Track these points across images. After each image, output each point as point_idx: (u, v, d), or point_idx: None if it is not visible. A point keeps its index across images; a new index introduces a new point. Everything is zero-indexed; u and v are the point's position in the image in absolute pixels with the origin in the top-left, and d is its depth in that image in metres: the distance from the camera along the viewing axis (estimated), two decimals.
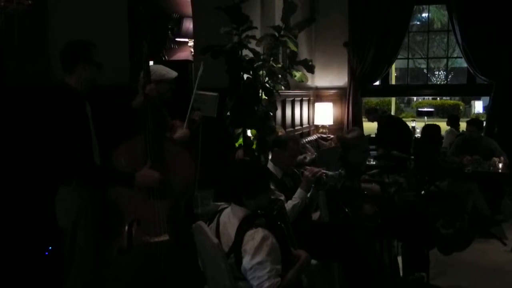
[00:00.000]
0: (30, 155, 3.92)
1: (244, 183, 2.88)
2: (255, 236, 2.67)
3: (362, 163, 4.47)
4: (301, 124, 9.48)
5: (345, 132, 5.12)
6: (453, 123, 9.33)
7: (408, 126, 9.00)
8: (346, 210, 3.88)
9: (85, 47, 3.16)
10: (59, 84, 3.18)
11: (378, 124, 8.94)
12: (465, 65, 10.28)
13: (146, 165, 3.22)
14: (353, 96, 10.12)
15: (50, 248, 3.97)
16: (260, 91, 5.58)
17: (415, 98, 28.55)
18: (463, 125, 9.62)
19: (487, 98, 10.78)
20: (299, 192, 3.85)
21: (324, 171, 3.92)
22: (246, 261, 2.67)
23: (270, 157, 4.41)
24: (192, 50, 8.25)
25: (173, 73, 3.83)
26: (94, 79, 3.22)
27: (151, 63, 3.71)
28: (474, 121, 7.23)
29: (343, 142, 4.38)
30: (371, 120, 9.18)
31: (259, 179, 2.95)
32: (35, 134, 3.53)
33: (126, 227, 3.26)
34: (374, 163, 7.59)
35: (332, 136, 9.35)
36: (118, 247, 3.25)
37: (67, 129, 3.01)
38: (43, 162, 3.31)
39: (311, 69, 5.98)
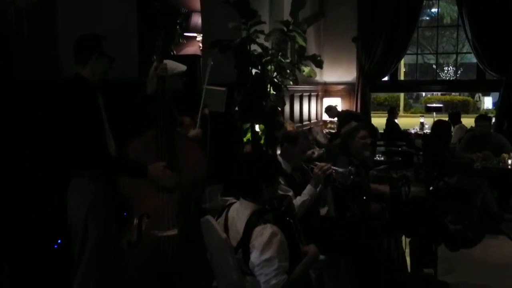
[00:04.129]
0: (40, 149, 3.93)
1: (264, 170, 2.88)
2: (264, 232, 2.67)
3: (370, 158, 4.48)
4: (309, 119, 9.47)
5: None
6: (455, 120, 9.27)
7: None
8: (353, 208, 3.88)
9: (98, 39, 3.24)
10: (72, 76, 3.23)
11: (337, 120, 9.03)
12: (474, 60, 10.23)
13: (161, 162, 3.22)
14: (361, 92, 10.09)
15: (59, 241, 3.98)
16: (268, 86, 5.58)
17: (424, 94, 28.47)
18: (464, 121, 9.62)
19: (496, 94, 10.71)
20: (308, 189, 3.85)
21: (334, 167, 3.91)
22: (254, 257, 2.66)
23: (278, 151, 4.41)
24: (201, 45, 8.25)
25: (183, 67, 3.90)
26: (107, 71, 3.28)
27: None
28: (485, 116, 7.19)
29: (340, 135, 4.55)
30: (331, 116, 9.31)
31: (275, 166, 3.02)
32: (45, 127, 3.55)
33: (136, 221, 3.28)
34: (382, 158, 7.58)
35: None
36: (127, 240, 3.28)
37: (81, 118, 3.06)
38: (56, 154, 3.34)
39: (319, 64, 5.98)
